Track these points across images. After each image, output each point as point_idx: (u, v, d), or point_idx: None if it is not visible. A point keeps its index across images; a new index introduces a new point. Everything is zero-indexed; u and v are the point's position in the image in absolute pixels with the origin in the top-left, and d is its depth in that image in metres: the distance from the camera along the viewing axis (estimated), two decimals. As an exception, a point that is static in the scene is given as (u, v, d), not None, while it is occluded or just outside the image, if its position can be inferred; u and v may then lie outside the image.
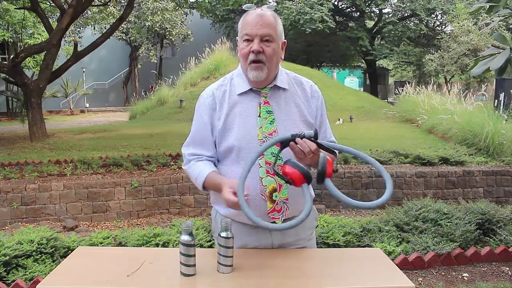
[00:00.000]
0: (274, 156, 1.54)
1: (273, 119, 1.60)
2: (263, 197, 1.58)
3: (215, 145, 1.66)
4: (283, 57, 1.64)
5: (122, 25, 14.52)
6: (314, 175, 1.41)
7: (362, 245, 3.67)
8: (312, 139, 1.45)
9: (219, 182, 1.54)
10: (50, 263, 3.21)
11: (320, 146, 1.46)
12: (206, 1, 15.88)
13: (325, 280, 1.35)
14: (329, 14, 21.42)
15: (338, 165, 6.60)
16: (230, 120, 1.61)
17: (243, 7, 1.62)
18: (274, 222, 1.61)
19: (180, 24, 23.07)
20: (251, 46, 1.54)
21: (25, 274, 3.05)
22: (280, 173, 1.43)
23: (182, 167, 1.73)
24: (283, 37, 1.62)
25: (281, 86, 1.64)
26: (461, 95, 10.23)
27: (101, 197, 5.79)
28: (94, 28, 17.38)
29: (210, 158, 1.67)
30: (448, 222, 3.81)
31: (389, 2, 23.79)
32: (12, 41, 17.42)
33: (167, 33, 23.06)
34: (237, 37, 1.64)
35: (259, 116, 1.60)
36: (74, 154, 7.36)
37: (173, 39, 23.74)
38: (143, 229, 4.42)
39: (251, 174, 1.55)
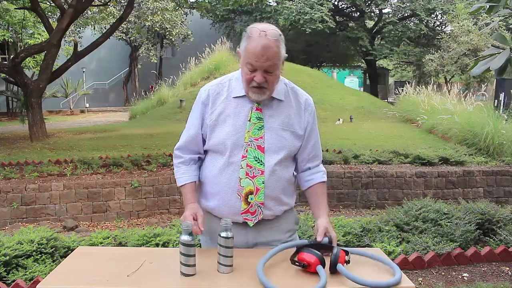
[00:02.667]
0: (257, 161, 1.61)
1: (262, 126, 1.64)
2: (239, 196, 1.62)
3: (204, 139, 1.71)
4: (283, 70, 1.65)
5: (122, 25, 14.52)
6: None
7: (362, 245, 3.67)
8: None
9: (186, 199, 1.69)
10: (50, 263, 3.21)
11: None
12: (206, 1, 15.89)
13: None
14: (329, 14, 21.41)
15: (338, 165, 6.61)
16: (222, 119, 1.66)
17: (246, 30, 1.58)
18: (245, 223, 1.65)
19: (180, 24, 23.05)
20: (254, 76, 1.56)
21: (25, 274, 3.05)
22: (296, 259, 1.46)
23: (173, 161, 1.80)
24: (284, 53, 1.60)
25: (276, 97, 1.67)
26: (461, 95, 10.22)
27: (101, 197, 5.79)
28: (94, 28, 17.37)
29: (193, 154, 1.74)
30: (448, 222, 3.81)
31: (389, 2, 23.79)
32: (12, 41, 17.43)
33: (167, 33, 23.05)
34: (238, 48, 1.63)
35: (249, 120, 1.63)
36: (74, 154, 7.36)
37: (173, 39, 23.73)
38: (143, 229, 4.42)
39: (230, 172, 1.63)
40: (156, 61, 24.46)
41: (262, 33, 1.51)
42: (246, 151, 1.61)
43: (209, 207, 1.71)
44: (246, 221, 1.64)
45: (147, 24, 21.24)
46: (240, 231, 1.66)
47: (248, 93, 1.62)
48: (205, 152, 1.74)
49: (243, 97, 1.66)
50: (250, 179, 1.61)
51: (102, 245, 3.54)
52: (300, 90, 1.76)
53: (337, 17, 24.36)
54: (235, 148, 1.62)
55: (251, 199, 1.62)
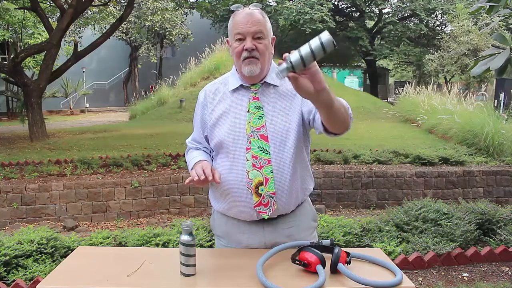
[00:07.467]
0: (262, 151, 1.58)
1: (262, 114, 1.61)
2: (249, 190, 1.58)
3: (208, 140, 1.73)
4: (273, 52, 1.67)
5: (122, 25, 14.53)
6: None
7: (362, 245, 3.67)
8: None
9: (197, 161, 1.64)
10: (50, 263, 3.22)
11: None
12: (206, 1, 15.89)
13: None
14: (329, 14, 21.41)
15: (338, 165, 6.61)
16: (220, 116, 1.65)
17: (231, 8, 1.64)
18: (261, 222, 1.62)
19: (180, 24, 23.05)
20: (244, 45, 1.57)
21: (25, 274, 3.05)
22: (297, 258, 1.44)
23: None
24: (272, 33, 1.66)
25: (271, 83, 1.66)
26: (461, 95, 10.22)
27: (101, 197, 5.79)
28: (94, 28, 17.37)
29: (206, 149, 1.76)
30: (448, 222, 3.81)
31: (389, 2, 23.78)
32: (12, 41, 17.43)
33: (167, 33, 23.06)
34: (227, 38, 1.68)
35: (248, 111, 1.62)
36: (74, 154, 7.36)
37: (173, 39, 23.73)
38: (143, 229, 4.42)
39: (237, 167, 1.60)
40: (156, 61, 24.45)
41: (245, 7, 1.61)
42: (250, 142, 1.58)
43: (222, 208, 1.68)
44: (261, 213, 1.59)
45: (147, 24, 21.25)
46: (257, 231, 1.63)
47: (241, 69, 1.60)
48: (213, 153, 1.73)
49: (239, 89, 1.65)
50: (258, 170, 1.57)
51: (102, 245, 3.54)
52: None
53: (337, 17, 24.34)
54: (238, 142, 1.60)
55: (262, 190, 1.58)
